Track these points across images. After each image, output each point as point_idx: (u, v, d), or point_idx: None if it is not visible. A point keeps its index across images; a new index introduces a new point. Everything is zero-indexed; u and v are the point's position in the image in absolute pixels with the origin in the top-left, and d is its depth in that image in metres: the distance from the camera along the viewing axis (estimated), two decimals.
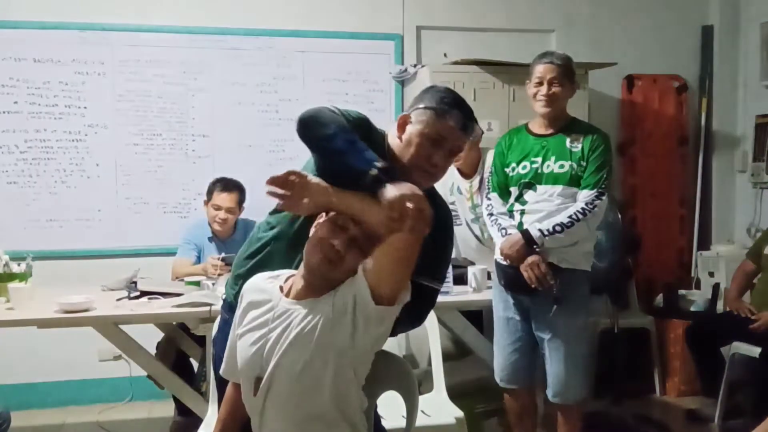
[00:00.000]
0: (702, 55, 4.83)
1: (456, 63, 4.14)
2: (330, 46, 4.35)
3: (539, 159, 2.78)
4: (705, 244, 4.78)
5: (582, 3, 4.66)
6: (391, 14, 4.41)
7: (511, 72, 4.09)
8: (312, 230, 1.76)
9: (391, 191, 1.62)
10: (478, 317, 3.59)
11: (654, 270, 4.72)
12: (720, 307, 4.19)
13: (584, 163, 2.73)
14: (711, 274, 4.47)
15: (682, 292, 4.47)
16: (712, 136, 4.83)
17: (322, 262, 1.70)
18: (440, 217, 1.96)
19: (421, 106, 1.91)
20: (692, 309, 4.32)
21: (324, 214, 1.75)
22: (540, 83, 2.78)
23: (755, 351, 3.59)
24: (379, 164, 1.69)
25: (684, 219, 4.84)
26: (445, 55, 4.35)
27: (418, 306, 1.90)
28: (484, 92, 4.08)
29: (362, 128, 1.85)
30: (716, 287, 4.28)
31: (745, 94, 4.76)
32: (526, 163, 2.80)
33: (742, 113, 4.79)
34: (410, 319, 1.90)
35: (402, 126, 1.93)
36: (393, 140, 1.95)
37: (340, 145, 1.74)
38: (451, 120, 1.88)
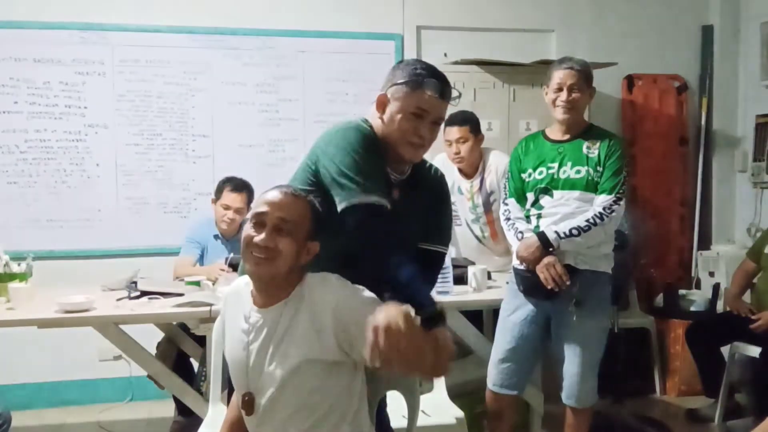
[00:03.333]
0: (702, 55, 4.84)
1: (456, 63, 4.14)
2: (330, 46, 4.35)
3: (555, 165, 2.77)
4: (705, 243, 4.78)
5: (582, 3, 4.66)
6: (391, 14, 4.41)
7: (511, 72, 4.10)
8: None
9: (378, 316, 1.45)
10: (478, 317, 3.59)
11: (654, 270, 4.72)
12: (720, 306, 4.19)
13: (600, 169, 2.72)
14: (711, 274, 4.47)
15: (682, 291, 4.46)
16: (712, 136, 4.83)
17: (258, 265, 1.68)
18: (439, 188, 2.07)
19: (396, 82, 1.93)
20: (692, 309, 4.31)
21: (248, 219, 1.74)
22: (559, 89, 2.76)
23: (755, 351, 3.59)
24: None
25: (684, 219, 4.84)
26: (445, 55, 4.35)
27: (432, 269, 2.06)
28: (484, 92, 4.08)
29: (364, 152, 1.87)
30: (716, 287, 4.28)
31: (745, 94, 4.76)
32: (542, 168, 2.79)
33: (742, 113, 4.79)
34: (426, 282, 1.98)
35: (381, 105, 1.95)
36: (375, 121, 1.97)
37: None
38: (428, 90, 1.90)
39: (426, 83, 1.90)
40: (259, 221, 1.70)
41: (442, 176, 2.15)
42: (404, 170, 2.01)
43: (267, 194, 1.75)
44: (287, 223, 1.69)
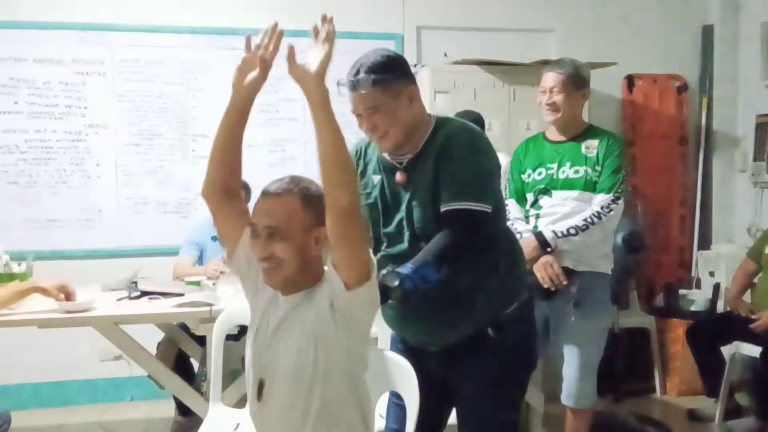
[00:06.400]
0: (702, 55, 4.83)
1: (456, 63, 4.14)
2: None
3: (554, 165, 2.77)
4: (705, 243, 4.79)
5: (582, 3, 4.66)
6: (391, 14, 4.41)
7: (511, 72, 4.10)
8: None
9: None
10: None
11: (654, 270, 4.72)
12: (720, 306, 4.19)
13: (599, 168, 2.72)
14: (711, 274, 4.47)
15: (682, 291, 4.47)
16: (712, 135, 4.83)
17: (267, 275, 1.69)
18: (441, 149, 1.98)
19: None
20: (693, 309, 4.32)
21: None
22: (544, 92, 2.79)
23: (756, 351, 3.59)
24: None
25: (684, 219, 4.84)
26: (445, 55, 4.35)
27: (451, 230, 1.92)
28: (484, 92, 4.08)
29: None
30: (717, 287, 4.28)
31: (745, 94, 4.76)
32: (541, 169, 2.80)
33: (742, 113, 4.79)
34: (454, 243, 1.92)
35: None
36: None
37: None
38: (348, 92, 2.01)
39: (345, 86, 2.00)
40: (254, 231, 1.70)
41: (452, 134, 2.01)
42: (404, 152, 2.03)
43: (258, 199, 1.74)
44: (276, 229, 1.66)
